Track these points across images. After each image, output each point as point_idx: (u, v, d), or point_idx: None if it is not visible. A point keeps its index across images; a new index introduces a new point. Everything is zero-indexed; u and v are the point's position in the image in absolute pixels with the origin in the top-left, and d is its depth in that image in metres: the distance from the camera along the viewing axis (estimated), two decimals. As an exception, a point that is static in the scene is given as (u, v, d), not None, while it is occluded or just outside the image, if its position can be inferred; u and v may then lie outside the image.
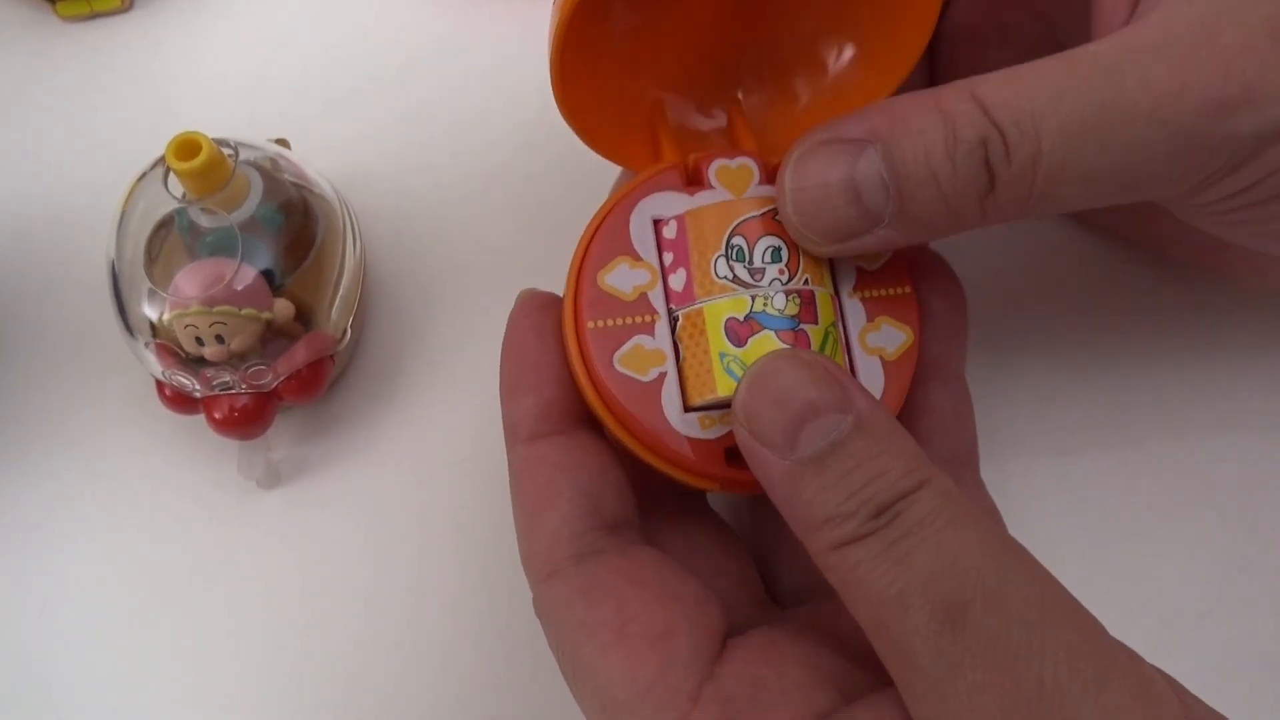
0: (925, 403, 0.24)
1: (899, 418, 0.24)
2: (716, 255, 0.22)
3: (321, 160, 0.31)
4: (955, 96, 0.20)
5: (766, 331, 0.22)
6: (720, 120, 0.26)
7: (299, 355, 0.28)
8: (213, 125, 0.28)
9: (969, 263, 0.27)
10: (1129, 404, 0.30)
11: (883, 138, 0.20)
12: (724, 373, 0.22)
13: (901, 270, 0.24)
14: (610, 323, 0.22)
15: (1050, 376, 0.30)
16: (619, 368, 0.22)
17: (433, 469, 0.30)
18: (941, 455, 0.24)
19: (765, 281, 0.22)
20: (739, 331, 0.22)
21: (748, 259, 0.22)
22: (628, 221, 0.23)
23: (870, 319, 0.23)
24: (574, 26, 0.22)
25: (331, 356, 0.29)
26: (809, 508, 0.19)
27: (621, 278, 0.23)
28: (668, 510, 0.25)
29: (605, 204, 0.23)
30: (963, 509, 0.19)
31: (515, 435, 0.23)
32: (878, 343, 0.23)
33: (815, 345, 0.22)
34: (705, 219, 0.23)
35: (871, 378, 0.23)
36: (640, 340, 0.22)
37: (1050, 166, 0.20)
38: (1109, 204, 0.21)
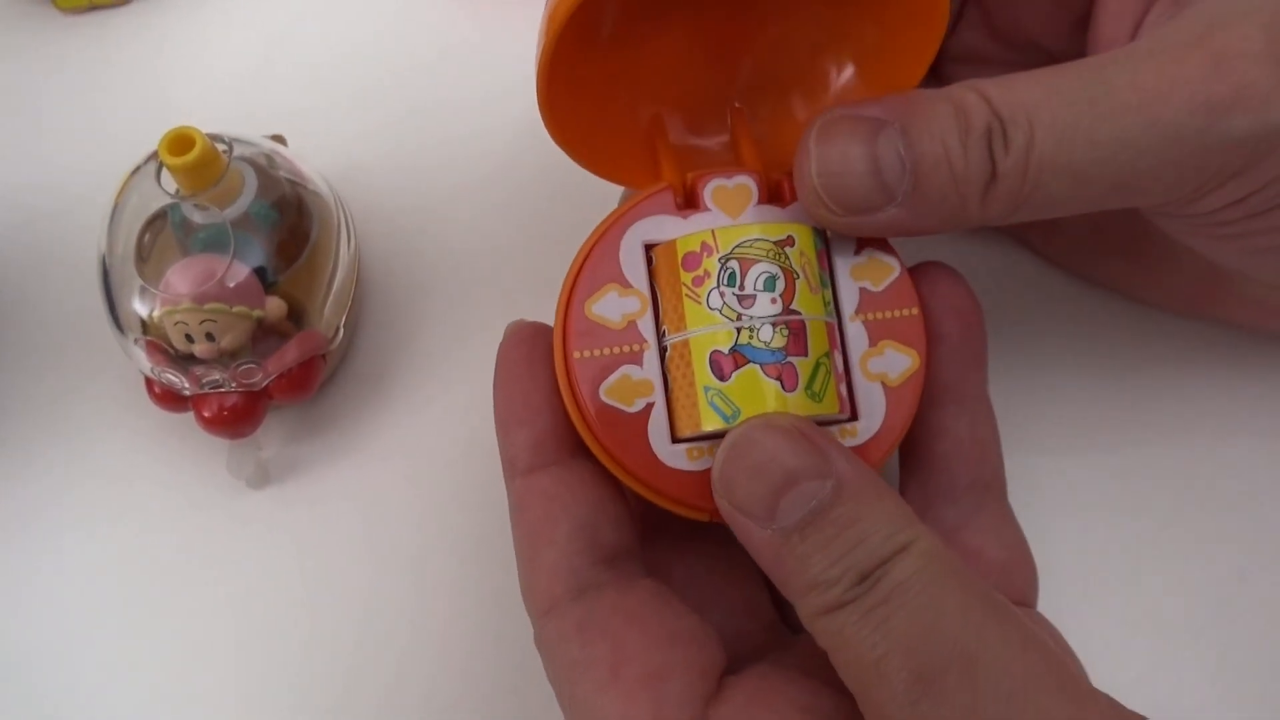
0: (940, 427, 0.24)
1: (910, 444, 0.24)
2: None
3: (319, 157, 0.31)
4: (963, 91, 0.21)
5: (752, 365, 0.21)
6: (724, 136, 0.26)
7: (290, 354, 0.27)
8: (211, 120, 0.28)
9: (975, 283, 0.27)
10: (1126, 407, 0.30)
11: (902, 118, 0.21)
12: (708, 407, 0.21)
13: (907, 291, 0.23)
14: (597, 352, 0.22)
15: (1043, 381, 0.30)
16: (605, 399, 0.22)
17: (425, 470, 0.30)
18: (961, 481, 0.24)
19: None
20: (723, 365, 0.21)
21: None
22: (618, 247, 0.23)
23: (873, 343, 0.23)
24: (563, 45, 0.21)
25: (323, 355, 0.29)
26: (792, 575, 0.19)
27: (610, 306, 0.22)
28: (674, 534, 0.24)
29: (598, 228, 0.23)
30: (946, 570, 0.19)
31: (512, 469, 0.22)
32: (880, 368, 0.23)
33: (803, 379, 0.21)
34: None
35: (872, 404, 0.23)
36: (628, 370, 0.22)
37: (1041, 158, 0.20)
38: (1101, 207, 0.21)
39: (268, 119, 0.32)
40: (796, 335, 0.22)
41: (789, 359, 0.21)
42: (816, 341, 0.22)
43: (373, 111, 0.34)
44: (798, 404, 0.21)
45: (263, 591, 0.29)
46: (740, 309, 0.22)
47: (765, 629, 0.24)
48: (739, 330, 0.21)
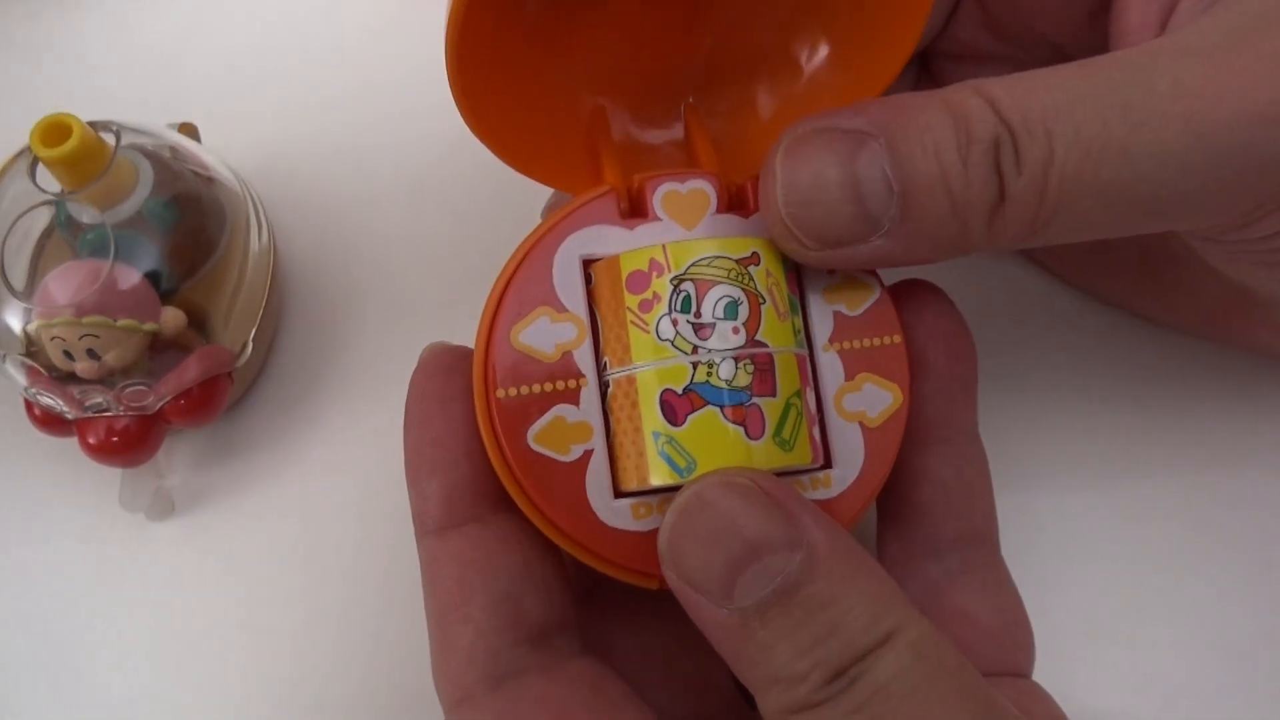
0: (924, 471, 0.21)
1: (889, 491, 0.21)
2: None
3: (236, 150, 0.28)
4: (963, 94, 0.18)
5: (710, 408, 0.18)
6: (676, 132, 0.22)
7: (189, 372, 0.24)
8: (122, 106, 0.24)
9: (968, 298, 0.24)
10: (1137, 440, 0.27)
11: (888, 131, 0.18)
12: (658, 457, 0.18)
13: (889, 316, 0.20)
14: (526, 390, 0.19)
15: (1043, 410, 0.27)
16: (535, 445, 0.19)
17: (349, 501, 0.27)
18: (947, 533, 0.21)
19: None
20: (676, 406, 0.18)
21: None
22: (551, 263, 0.19)
23: (850, 377, 0.20)
24: (474, 15, 0.18)
25: (229, 374, 0.25)
26: (753, 665, 0.16)
27: (541, 334, 0.19)
28: (617, 593, 0.21)
29: (527, 239, 0.20)
30: (937, 669, 0.16)
31: (423, 526, 0.19)
32: (857, 405, 0.20)
33: (771, 424, 0.18)
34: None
35: (849, 449, 0.20)
36: (562, 411, 0.19)
37: (1064, 177, 0.17)
38: (1133, 232, 0.18)
39: (182, 107, 0.29)
40: (763, 372, 0.18)
41: (754, 400, 0.18)
42: (786, 378, 0.19)
43: (299, 102, 0.30)
44: (764, 454, 0.18)
45: (166, 633, 0.26)
46: (696, 340, 0.18)
47: (718, 707, 0.21)
48: (695, 366, 0.18)
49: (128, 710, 0.25)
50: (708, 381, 0.18)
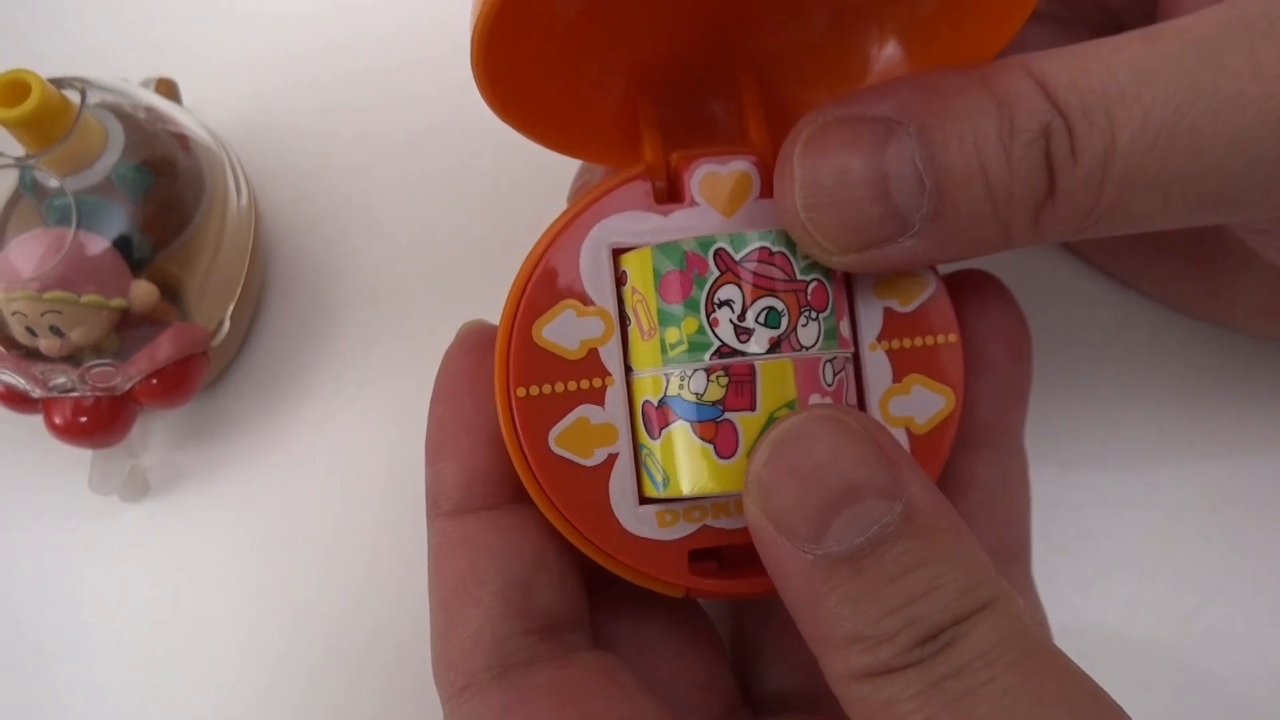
0: (970, 476, 0.20)
1: None
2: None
3: (220, 110, 0.26)
4: (1009, 75, 0.16)
5: (680, 423, 0.17)
6: (729, 100, 0.20)
7: (162, 351, 0.23)
8: (97, 59, 0.23)
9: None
10: (1182, 451, 0.25)
11: (919, 119, 0.16)
12: (643, 469, 0.18)
13: (945, 311, 0.19)
14: (548, 389, 0.18)
15: (1080, 413, 0.25)
16: (555, 448, 0.18)
17: (332, 484, 0.25)
18: (983, 544, 0.19)
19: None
20: (653, 419, 0.18)
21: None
22: (578, 252, 0.18)
23: (898, 379, 0.18)
24: None
25: (205, 352, 0.24)
26: (831, 620, 0.15)
27: (565, 329, 0.18)
28: (626, 594, 0.20)
29: (554, 224, 0.18)
30: (1036, 644, 0.15)
31: (436, 507, 0.19)
32: (905, 410, 0.18)
33: (746, 442, 0.17)
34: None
35: None
36: (585, 412, 0.18)
37: (1126, 168, 0.16)
38: (1189, 224, 0.17)
39: (162, 61, 0.27)
40: (740, 384, 0.17)
41: (726, 415, 0.17)
42: (774, 390, 0.17)
43: (289, 57, 0.28)
44: (734, 474, 0.17)
45: (138, 620, 0.24)
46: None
47: (725, 710, 0.20)
48: (668, 377, 0.17)
49: (98, 697, 0.24)
50: (679, 395, 0.17)
